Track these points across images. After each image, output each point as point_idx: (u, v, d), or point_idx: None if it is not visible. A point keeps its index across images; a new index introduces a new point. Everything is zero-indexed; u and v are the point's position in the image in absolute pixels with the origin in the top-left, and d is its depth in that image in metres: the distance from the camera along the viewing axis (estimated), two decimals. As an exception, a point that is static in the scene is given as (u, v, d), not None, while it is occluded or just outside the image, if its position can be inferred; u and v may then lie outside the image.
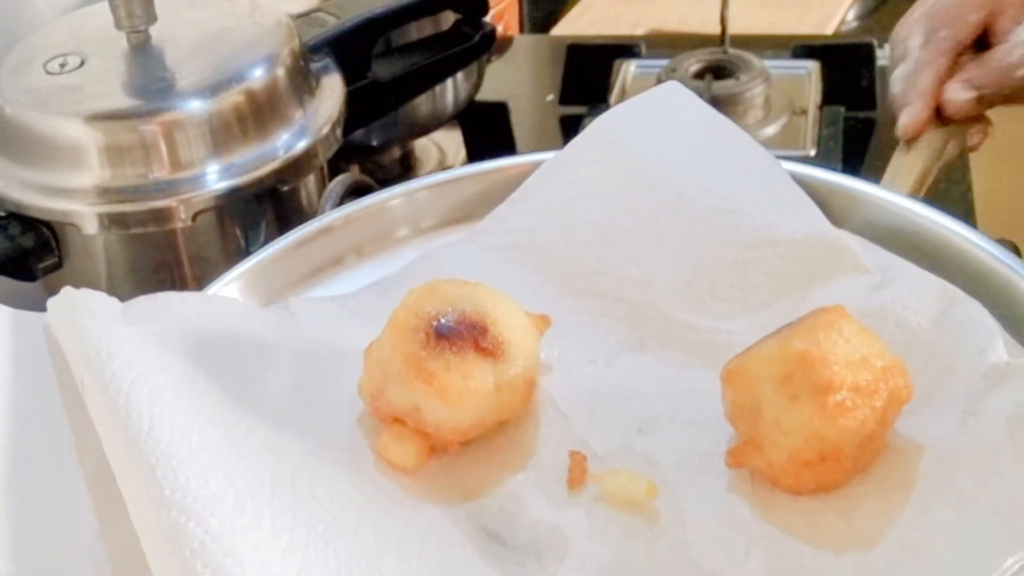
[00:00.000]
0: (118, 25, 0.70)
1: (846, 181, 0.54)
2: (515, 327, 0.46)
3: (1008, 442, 0.41)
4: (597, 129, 0.56)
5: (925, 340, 0.46)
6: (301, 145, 0.71)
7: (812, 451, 0.41)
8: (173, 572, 0.37)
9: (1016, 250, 0.60)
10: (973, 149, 0.62)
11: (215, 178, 0.68)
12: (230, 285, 0.55)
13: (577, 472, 0.45)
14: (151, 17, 0.70)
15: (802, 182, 0.53)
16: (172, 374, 0.44)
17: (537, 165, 0.57)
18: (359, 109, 0.79)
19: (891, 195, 0.54)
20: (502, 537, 0.43)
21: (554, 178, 0.55)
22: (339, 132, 0.75)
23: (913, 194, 0.56)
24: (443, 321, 0.44)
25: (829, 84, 1.02)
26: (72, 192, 0.67)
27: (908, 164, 0.59)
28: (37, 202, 0.67)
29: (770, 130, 0.98)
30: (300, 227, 0.58)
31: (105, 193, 0.67)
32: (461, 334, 0.44)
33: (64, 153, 0.67)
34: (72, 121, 0.67)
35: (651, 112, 0.56)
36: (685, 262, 0.51)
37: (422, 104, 0.91)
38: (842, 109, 0.99)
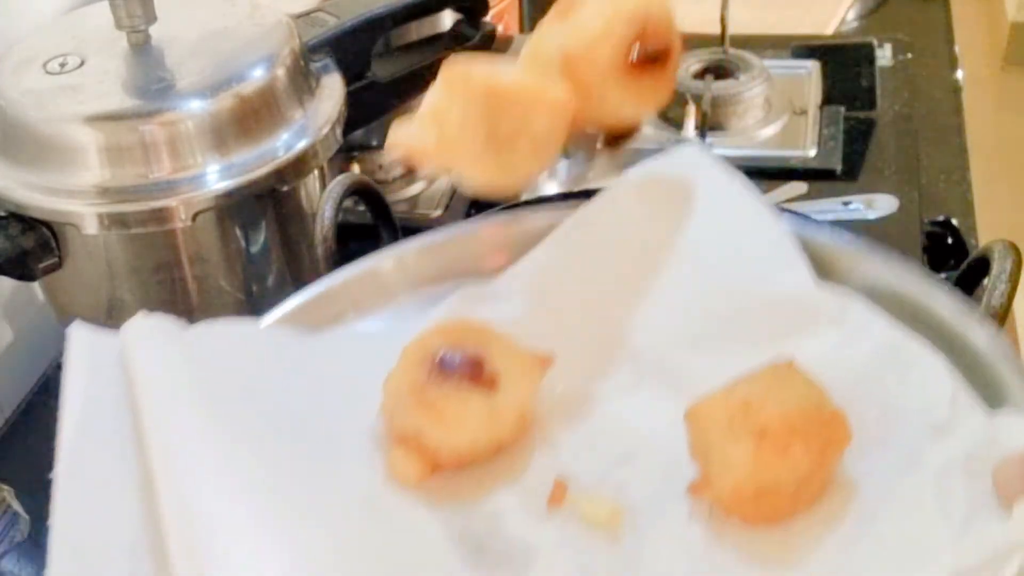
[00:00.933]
0: (118, 25, 0.70)
1: (847, 242, 0.58)
2: (512, 364, 0.51)
3: (931, 489, 0.45)
4: (615, 187, 0.62)
5: (883, 393, 0.51)
6: (301, 145, 0.71)
7: (750, 487, 0.46)
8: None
9: (1016, 250, 0.60)
10: None
11: (215, 178, 0.68)
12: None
13: (557, 494, 0.50)
14: (151, 17, 0.70)
15: (805, 239, 0.57)
16: (216, 401, 0.50)
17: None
18: (359, 109, 0.79)
19: (886, 256, 0.57)
20: (484, 544, 0.49)
21: (573, 232, 0.61)
22: (339, 132, 0.75)
23: None
24: (446, 356, 0.50)
25: (829, 84, 1.02)
26: (72, 192, 0.67)
27: None
28: (37, 202, 0.67)
29: (770, 130, 0.98)
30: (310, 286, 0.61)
31: (105, 193, 0.67)
32: (461, 368, 0.50)
33: (64, 153, 0.67)
34: (72, 121, 0.67)
35: (667, 172, 0.61)
36: (680, 311, 0.56)
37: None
38: (842, 109, 0.99)
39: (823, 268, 0.56)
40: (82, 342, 0.53)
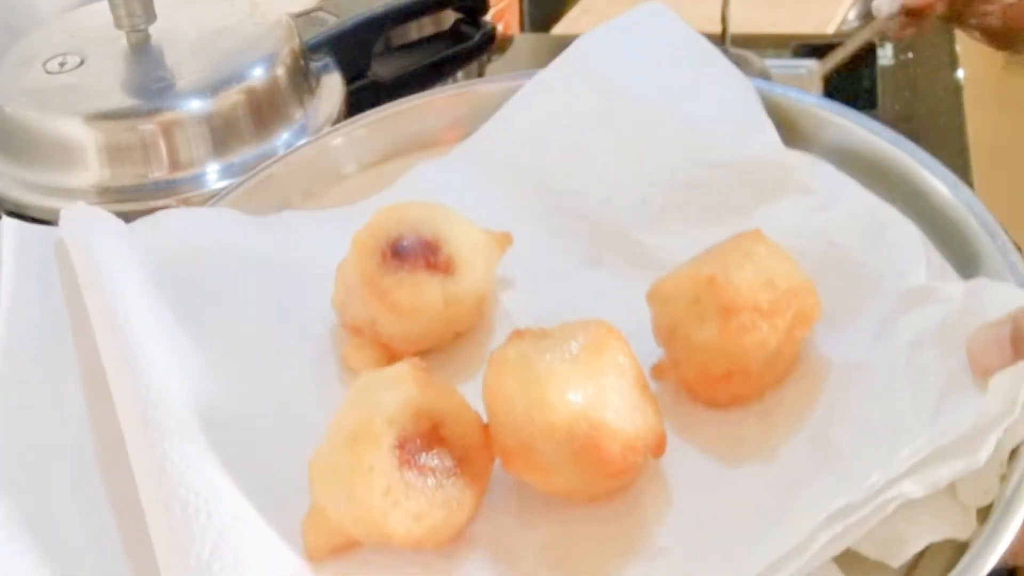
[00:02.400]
0: (118, 24, 0.70)
1: (814, 103, 0.57)
2: (468, 246, 0.49)
3: (904, 364, 0.43)
4: (576, 51, 0.58)
5: (854, 261, 0.48)
6: (301, 145, 0.71)
7: (719, 367, 0.44)
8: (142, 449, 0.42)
9: (1018, 249, 0.60)
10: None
11: (215, 178, 0.68)
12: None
13: None
14: (151, 16, 0.70)
15: (772, 102, 0.55)
16: (168, 290, 0.50)
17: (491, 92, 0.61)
18: (359, 109, 0.79)
19: (854, 117, 0.55)
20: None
21: (532, 99, 0.58)
22: (339, 132, 0.75)
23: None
24: (399, 242, 0.48)
25: (829, 83, 1.02)
26: (72, 192, 0.67)
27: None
28: (37, 202, 0.67)
29: (770, 129, 0.98)
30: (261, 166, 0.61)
31: (105, 193, 0.67)
32: (414, 252, 0.48)
33: (64, 153, 0.67)
34: (72, 121, 0.67)
35: (629, 34, 0.59)
36: (643, 181, 0.54)
37: (422, 104, 0.91)
38: (843, 109, 0.99)
39: (788, 131, 0.54)
40: (11, 235, 0.52)
